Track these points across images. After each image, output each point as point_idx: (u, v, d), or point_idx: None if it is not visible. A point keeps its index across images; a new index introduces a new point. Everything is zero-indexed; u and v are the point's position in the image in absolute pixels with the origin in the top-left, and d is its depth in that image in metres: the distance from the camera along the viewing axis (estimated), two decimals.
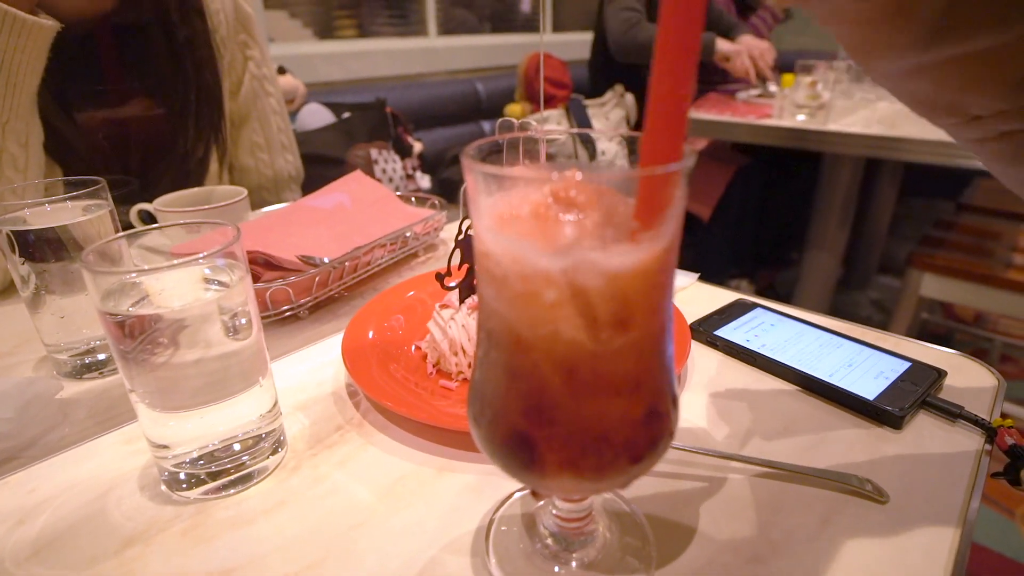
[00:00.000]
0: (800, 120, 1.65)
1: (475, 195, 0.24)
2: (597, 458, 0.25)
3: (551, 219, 0.23)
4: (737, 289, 0.64)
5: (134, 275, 0.37)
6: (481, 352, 0.28)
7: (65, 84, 0.72)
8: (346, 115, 1.59)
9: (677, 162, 0.21)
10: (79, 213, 0.49)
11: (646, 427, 0.26)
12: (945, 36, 0.23)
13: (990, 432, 0.40)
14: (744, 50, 2.03)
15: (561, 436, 0.25)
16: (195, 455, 0.40)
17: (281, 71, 1.37)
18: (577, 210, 0.22)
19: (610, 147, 1.53)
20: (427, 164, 1.91)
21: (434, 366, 0.50)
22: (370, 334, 0.54)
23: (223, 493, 0.40)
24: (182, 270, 0.40)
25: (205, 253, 0.37)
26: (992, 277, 1.46)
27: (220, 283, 0.40)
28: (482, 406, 0.28)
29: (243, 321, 0.39)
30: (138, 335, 0.36)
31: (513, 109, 2.35)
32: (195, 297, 0.39)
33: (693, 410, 0.46)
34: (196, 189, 0.75)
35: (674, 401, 0.28)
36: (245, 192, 0.73)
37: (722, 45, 2.02)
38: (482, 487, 0.40)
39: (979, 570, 1.24)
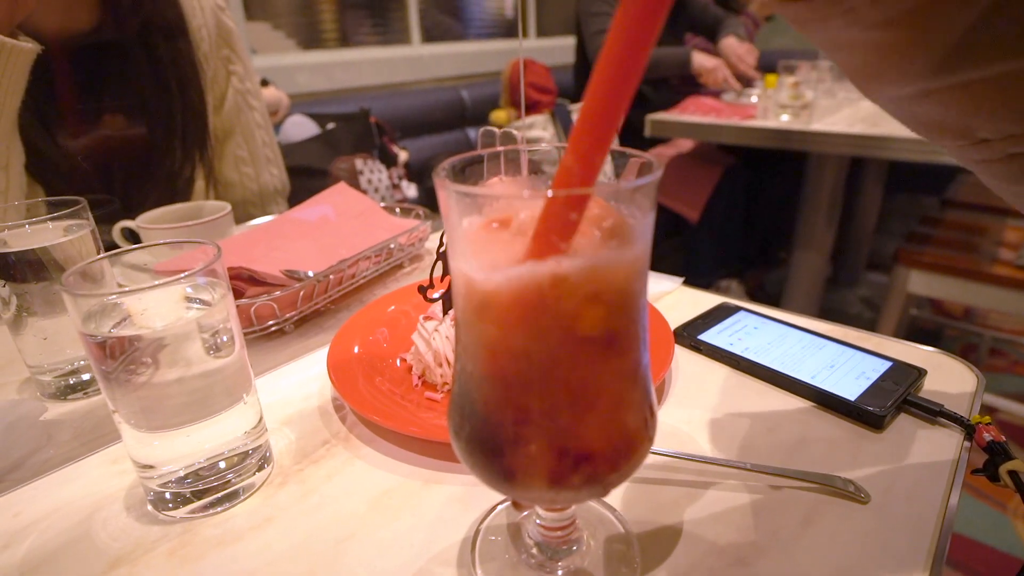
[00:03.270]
0: (784, 120, 1.66)
1: (444, 212, 0.25)
2: (574, 469, 0.25)
3: (510, 235, 0.23)
4: (727, 290, 0.65)
5: (114, 296, 0.38)
6: (458, 366, 0.28)
7: (47, 105, 0.72)
8: (330, 126, 1.59)
9: (587, 186, 0.21)
10: (60, 234, 0.49)
11: (623, 436, 0.26)
12: (960, 62, 0.22)
13: (969, 429, 0.41)
14: (721, 65, 2.06)
15: (537, 448, 0.25)
16: (181, 474, 0.40)
17: (264, 83, 1.38)
18: (532, 226, 0.22)
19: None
20: (413, 173, 1.91)
21: (419, 378, 0.51)
22: (355, 348, 0.54)
23: (210, 511, 0.40)
24: (163, 289, 0.40)
25: (185, 273, 0.37)
26: (978, 272, 1.47)
27: (202, 301, 0.41)
28: (461, 419, 0.28)
29: (224, 339, 0.40)
30: (119, 355, 0.36)
31: (498, 115, 2.36)
32: (177, 316, 0.39)
33: (677, 415, 0.47)
34: (180, 205, 0.75)
35: (652, 409, 0.28)
36: (229, 207, 0.73)
37: (699, 60, 2.04)
38: (468, 498, 0.40)
39: (972, 563, 1.25)
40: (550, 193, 0.21)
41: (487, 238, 0.24)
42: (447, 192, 0.24)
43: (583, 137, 0.21)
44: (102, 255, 0.40)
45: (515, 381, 0.24)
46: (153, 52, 0.79)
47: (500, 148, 0.31)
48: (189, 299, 0.41)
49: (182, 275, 0.36)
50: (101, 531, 0.38)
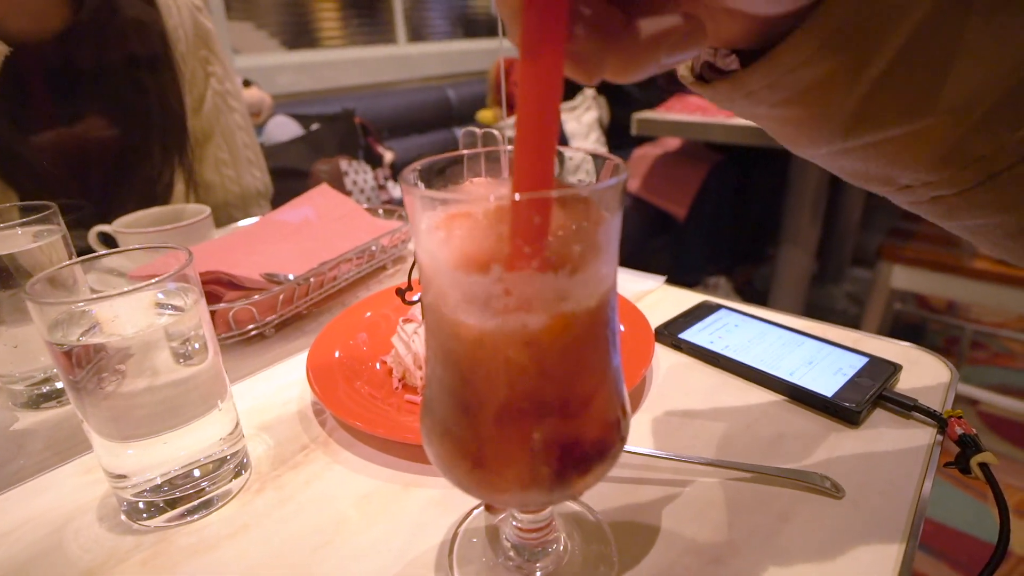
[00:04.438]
0: None
1: (409, 212, 0.25)
2: (545, 470, 0.25)
3: (472, 238, 0.23)
4: (715, 287, 0.65)
5: (82, 304, 0.37)
6: (429, 369, 0.28)
7: (18, 107, 0.71)
8: (314, 127, 1.58)
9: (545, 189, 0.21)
10: (29, 240, 0.48)
11: (594, 437, 0.26)
12: (861, 128, 0.25)
13: (941, 423, 0.41)
14: None
15: (507, 450, 0.25)
16: (155, 483, 0.39)
17: (246, 84, 1.36)
18: (497, 229, 0.22)
19: (577, 155, 1.54)
20: (399, 173, 1.89)
21: (400, 381, 0.50)
22: (335, 352, 0.53)
23: (185, 520, 0.39)
24: (134, 296, 0.39)
25: (155, 280, 0.36)
26: (959, 267, 1.49)
27: (174, 307, 0.40)
28: (432, 422, 0.28)
29: (196, 346, 0.39)
30: (86, 365, 0.35)
31: (485, 115, 2.35)
32: (148, 323, 0.38)
33: (656, 414, 0.47)
34: (159, 208, 0.74)
35: (624, 409, 0.28)
36: (208, 211, 0.72)
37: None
38: (448, 501, 0.40)
39: (954, 552, 1.27)
40: (493, 198, 0.21)
41: (448, 240, 0.24)
42: (410, 195, 0.24)
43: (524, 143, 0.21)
44: (69, 261, 0.39)
45: (482, 383, 0.24)
46: (128, 53, 0.78)
47: (479, 150, 0.31)
48: (161, 305, 0.40)
49: (151, 281, 0.36)
50: (73, 542, 0.38)
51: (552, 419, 0.25)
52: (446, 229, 0.24)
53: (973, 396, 1.66)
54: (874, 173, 0.28)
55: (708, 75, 0.29)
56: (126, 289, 0.35)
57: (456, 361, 0.25)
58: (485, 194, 0.23)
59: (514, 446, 0.25)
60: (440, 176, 0.29)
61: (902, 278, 1.58)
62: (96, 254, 0.40)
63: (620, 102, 2.14)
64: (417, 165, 0.27)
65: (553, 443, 0.25)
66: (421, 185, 0.27)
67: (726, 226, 2.24)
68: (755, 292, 2.34)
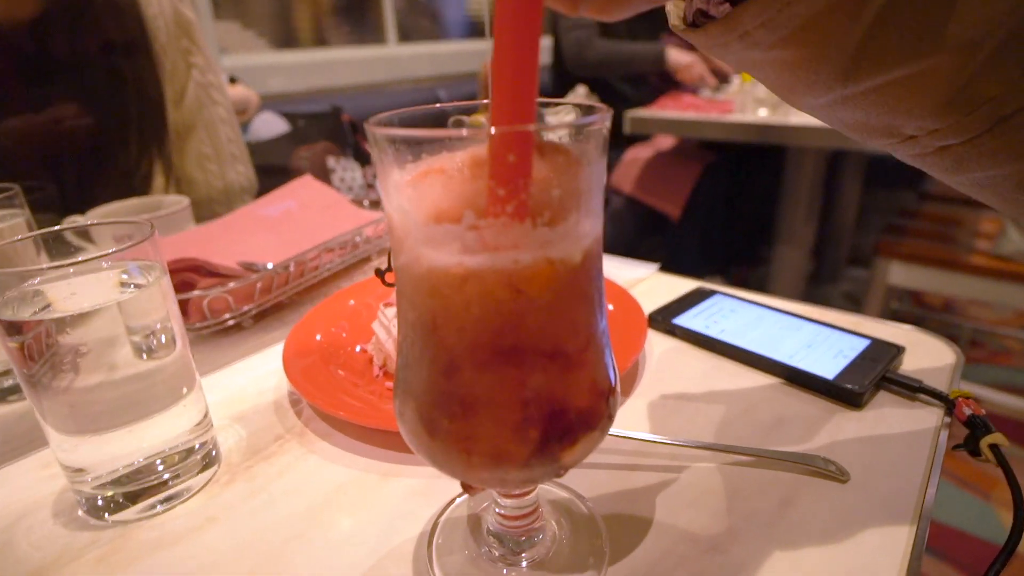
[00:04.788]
0: (762, 115, 1.65)
1: (379, 168, 0.22)
2: (523, 443, 0.23)
3: (445, 187, 0.21)
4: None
5: (36, 281, 0.35)
6: (400, 337, 0.26)
7: None
8: (301, 124, 1.55)
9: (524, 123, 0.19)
10: None
11: (579, 405, 0.24)
12: (861, 71, 0.23)
13: (949, 405, 0.39)
14: (697, 61, 2.04)
15: (483, 421, 0.23)
16: (115, 476, 0.37)
17: (232, 81, 1.34)
18: (472, 176, 0.20)
19: (560, 109, 1.52)
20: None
21: (380, 368, 0.48)
22: (315, 339, 0.51)
23: (147, 514, 0.37)
24: (93, 276, 0.37)
25: (112, 251, 0.34)
26: (957, 262, 1.48)
27: (138, 287, 0.38)
28: (404, 397, 0.26)
29: (163, 338, 0.37)
30: (39, 357, 0.33)
31: (476, 115, 2.33)
32: (105, 298, 0.36)
33: (651, 400, 0.44)
34: (136, 200, 0.72)
35: (611, 382, 0.26)
36: (187, 201, 0.70)
37: (674, 56, 2.02)
38: (429, 490, 0.37)
39: (955, 553, 1.24)
40: (466, 132, 0.19)
41: (421, 189, 0.21)
42: (375, 139, 0.22)
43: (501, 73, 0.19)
44: (24, 235, 0.37)
45: (455, 345, 0.22)
46: (104, 41, 0.75)
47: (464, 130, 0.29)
48: (124, 285, 0.38)
49: (105, 252, 0.33)
50: (23, 540, 0.35)
51: (532, 380, 0.22)
52: (418, 182, 0.22)
53: (972, 391, 1.64)
54: (876, 123, 0.26)
55: (700, 21, 0.27)
56: (80, 259, 0.32)
57: (428, 320, 0.23)
58: (456, 134, 0.21)
59: (491, 412, 0.22)
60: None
61: (899, 275, 1.57)
62: (54, 228, 0.38)
63: (612, 100, 2.13)
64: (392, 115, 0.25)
65: (533, 407, 0.22)
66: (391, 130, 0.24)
67: (720, 226, 2.22)
68: (751, 292, 2.31)
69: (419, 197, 0.22)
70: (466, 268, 0.21)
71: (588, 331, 0.24)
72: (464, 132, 0.20)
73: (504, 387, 0.22)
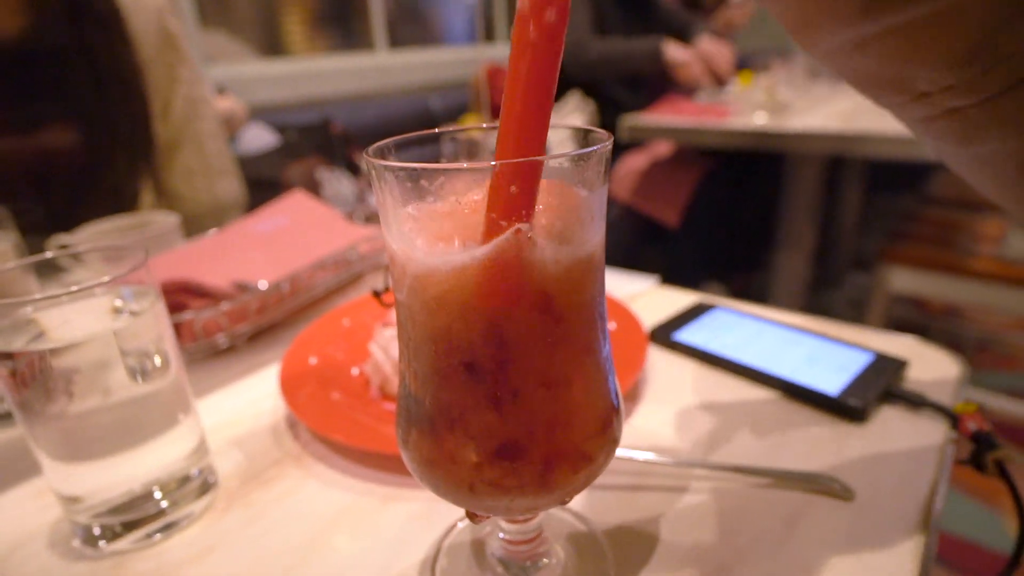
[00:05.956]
0: (760, 120, 1.63)
1: (380, 197, 0.22)
2: (528, 472, 0.23)
3: (455, 217, 0.20)
4: (712, 294, 0.63)
5: (28, 308, 0.34)
6: (402, 366, 0.25)
7: None
8: (291, 137, 1.54)
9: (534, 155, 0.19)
10: None
11: (583, 435, 0.24)
12: (880, 3, 0.22)
13: (953, 419, 0.39)
14: (695, 59, 2.00)
15: (487, 449, 0.22)
16: (112, 504, 0.36)
17: (220, 92, 1.33)
18: (476, 206, 0.20)
19: (559, 132, 1.51)
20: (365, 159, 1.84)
21: (378, 389, 0.47)
22: (310, 361, 0.50)
23: (145, 543, 0.36)
24: (85, 302, 0.36)
25: (105, 279, 0.33)
26: (961, 267, 1.46)
27: (133, 313, 0.37)
28: (407, 424, 0.25)
29: (157, 360, 0.36)
30: (31, 382, 0.32)
31: (468, 123, 2.33)
32: (100, 328, 0.35)
33: (652, 418, 0.44)
34: (124, 218, 0.71)
35: (616, 407, 0.26)
36: (176, 219, 0.69)
37: (672, 52, 1.98)
38: (430, 515, 0.37)
39: (962, 561, 1.23)
40: (464, 165, 0.19)
41: (421, 220, 0.21)
42: (378, 171, 0.21)
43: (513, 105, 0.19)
44: (13, 263, 0.36)
45: (461, 374, 0.22)
46: (91, 56, 0.74)
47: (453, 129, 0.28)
48: (117, 312, 0.37)
49: (99, 280, 0.33)
50: (18, 572, 0.34)
51: (535, 414, 0.22)
52: (419, 213, 0.21)
53: (978, 399, 1.62)
54: (890, 74, 0.25)
55: None
56: (73, 289, 0.32)
57: (430, 348, 0.22)
58: (457, 167, 0.20)
59: (496, 442, 0.22)
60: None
61: (903, 280, 1.54)
62: (44, 255, 0.37)
63: (607, 106, 2.11)
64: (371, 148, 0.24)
65: (536, 442, 0.22)
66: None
67: (720, 233, 2.20)
68: (752, 299, 2.29)
69: (423, 226, 0.21)
70: (469, 296, 0.21)
71: (592, 357, 0.24)
72: (472, 165, 0.20)
73: (510, 416, 0.22)
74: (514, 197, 0.19)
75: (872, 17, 0.22)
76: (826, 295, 2.43)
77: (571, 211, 0.21)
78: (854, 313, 2.28)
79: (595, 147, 0.21)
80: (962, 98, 0.23)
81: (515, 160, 0.19)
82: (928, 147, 0.30)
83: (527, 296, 0.20)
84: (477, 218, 0.21)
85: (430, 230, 0.21)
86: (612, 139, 0.22)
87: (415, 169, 0.21)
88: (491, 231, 0.20)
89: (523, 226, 0.20)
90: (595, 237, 0.23)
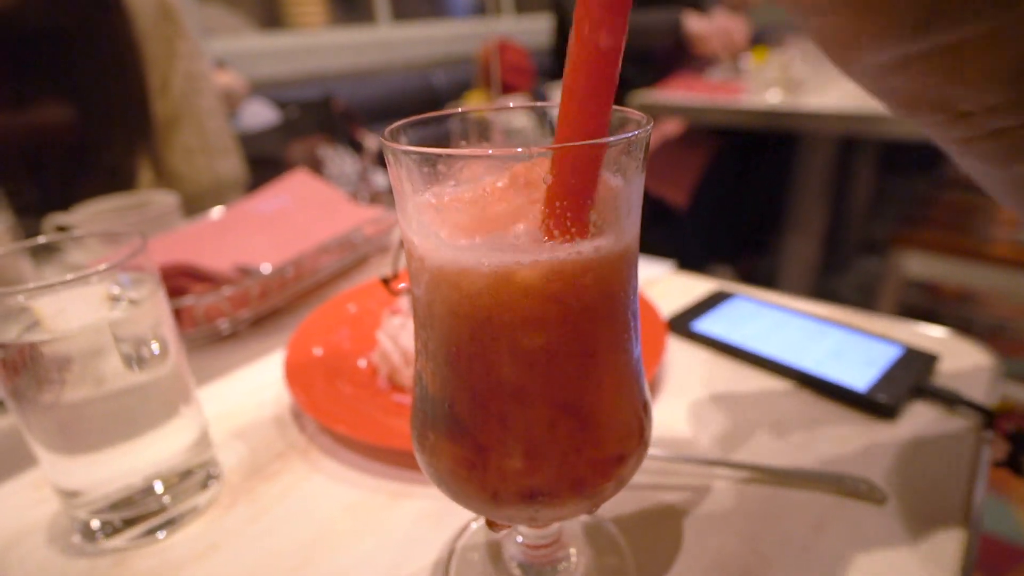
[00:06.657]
0: (774, 98, 1.58)
1: (395, 182, 0.20)
2: (556, 482, 0.21)
3: (485, 208, 0.18)
4: (718, 276, 0.61)
5: (20, 297, 0.32)
6: (419, 365, 0.24)
7: None
8: (292, 113, 1.51)
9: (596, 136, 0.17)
10: None
11: (615, 440, 0.22)
12: (940, 20, 0.20)
13: (989, 418, 0.37)
14: (716, 33, 1.94)
15: (513, 458, 0.21)
16: (112, 499, 0.35)
17: (220, 66, 1.30)
18: (513, 197, 0.18)
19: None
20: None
21: (387, 379, 0.46)
22: (315, 349, 0.49)
23: (146, 539, 0.35)
24: (81, 290, 0.34)
25: (102, 267, 0.31)
26: (977, 251, 1.42)
27: (131, 301, 0.35)
28: (423, 427, 0.24)
29: (155, 347, 0.34)
30: (23, 369, 0.31)
31: (473, 100, 2.29)
32: (95, 318, 0.33)
33: (672, 412, 0.43)
34: (122, 197, 0.69)
35: (646, 408, 0.24)
36: (175, 198, 0.67)
37: (693, 24, 1.91)
38: (441, 514, 0.35)
39: (994, 560, 1.20)
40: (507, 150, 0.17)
41: (448, 208, 0.19)
42: (400, 157, 0.19)
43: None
44: (9, 248, 0.34)
45: (488, 377, 0.20)
46: (86, 30, 0.71)
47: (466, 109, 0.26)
48: (115, 300, 0.36)
49: (94, 269, 0.31)
50: (17, 569, 0.33)
51: (563, 420, 0.20)
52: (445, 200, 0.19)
53: (1016, 404, 1.59)
54: (931, 95, 0.23)
55: None
56: (68, 278, 0.30)
57: (452, 351, 0.20)
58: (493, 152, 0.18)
59: (523, 450, 0.21)
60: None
61: (917, 265, 1.51)
62: (40, 239, 0.35)
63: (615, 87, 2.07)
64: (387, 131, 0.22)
65: (565, 450, 0.20)
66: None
67: (728, 214, 2.16)
68: (759, 283, 2.26)
69: (454, 216, 0.19)
70: (511, 298, 0.19)
71: (626, 358, 0.22)
72: (521, 151, 0.18)
73: (540, 423, 0.20)
74: (577, 189, 0.17)
75: (922, 36, 0.21)
76: (834, 279, 2.40)
77: (610, 203, 0.19)
78: (862, 298, 2.25)
79: (638, 131, 0.19)
80: (1007, 118, 0.22)
81: (551, 147, 0.17)
82: (962, 165, 0.28)
83: (571, 297, 0.19)
84: (505, 207, 0.19)
85: (455, 222, 0.19)
86: (652, 122, 0.20)
87: (445, 155, 0.19)
88: (551, 227, 0.18)
89: (585, 221, 0.18)
90: (632, 230, 0.21)
